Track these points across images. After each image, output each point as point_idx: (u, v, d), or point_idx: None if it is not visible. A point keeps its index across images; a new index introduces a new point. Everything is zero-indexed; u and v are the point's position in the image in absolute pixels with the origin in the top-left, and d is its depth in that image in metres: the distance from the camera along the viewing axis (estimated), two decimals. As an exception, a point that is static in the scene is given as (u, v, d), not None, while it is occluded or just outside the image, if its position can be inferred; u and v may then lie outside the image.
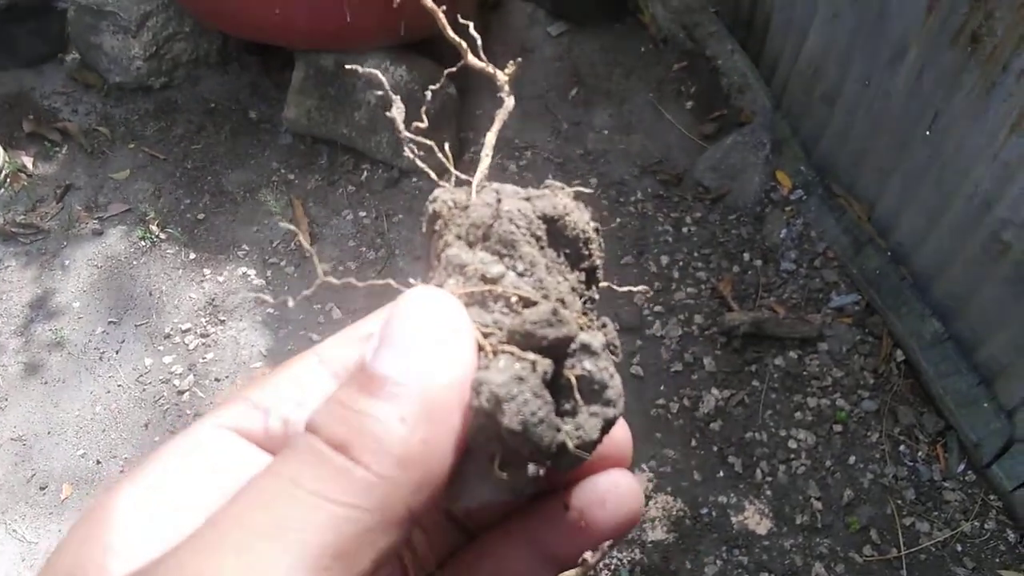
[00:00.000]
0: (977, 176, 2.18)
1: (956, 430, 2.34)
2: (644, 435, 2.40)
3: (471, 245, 0.37)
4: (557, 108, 3.22)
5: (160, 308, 2.74)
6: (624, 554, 2.22)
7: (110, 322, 2.70)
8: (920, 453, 2.37)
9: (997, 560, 2.19)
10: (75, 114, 3.22)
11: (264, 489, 0.28)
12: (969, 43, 2.11)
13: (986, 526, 2.24)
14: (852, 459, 2.36)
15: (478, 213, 0.38)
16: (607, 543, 0.37)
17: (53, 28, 3.27)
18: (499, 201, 0.38)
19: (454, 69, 0.47)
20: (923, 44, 2.26)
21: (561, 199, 0.40)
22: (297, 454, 0.29)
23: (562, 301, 0.36)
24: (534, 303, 0.35)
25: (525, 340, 0.33)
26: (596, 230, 0.41)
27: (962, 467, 2.32)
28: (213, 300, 2.75)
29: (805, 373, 2.52)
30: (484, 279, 0.35)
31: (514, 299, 0.35)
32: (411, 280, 0.37)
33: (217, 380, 2.57)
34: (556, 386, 0.33)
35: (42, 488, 2.38)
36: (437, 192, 0.40)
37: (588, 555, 0.37)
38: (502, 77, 0.44)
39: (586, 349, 0.34)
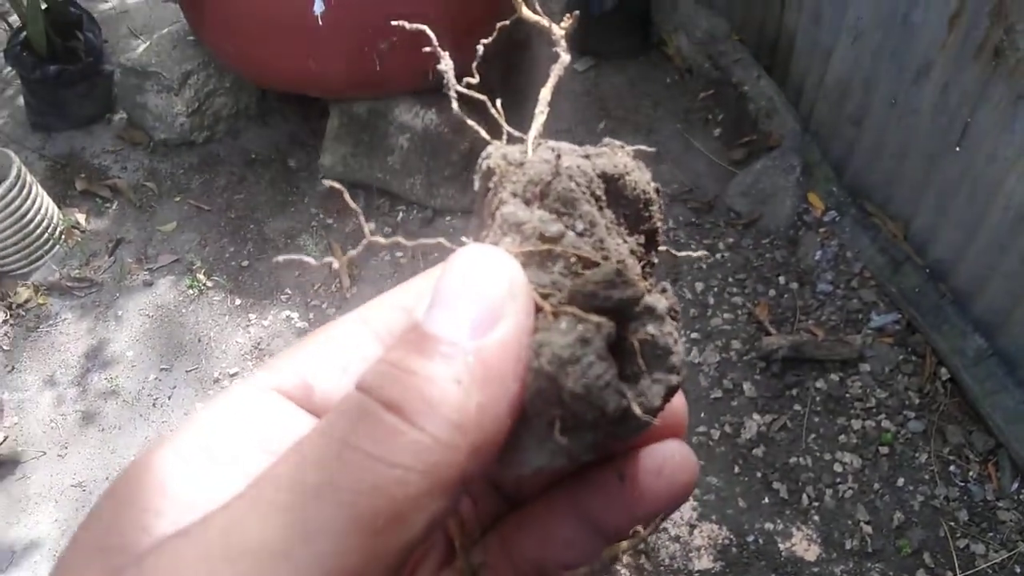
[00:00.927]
0: (1010, 188, 2.16)
1: (1006, 448, 2.29)
2: (686, 463, 2.39)
3: (528, 203, 0.35)
4: (586, 142, 3.24)
5: (208, 353, 2.82)
6: (671, 584, 2.21)
7: (162, 369, 2.79)
8: (971, 472, 2.32)
9: (1058, 581, 2.13)
10: (124, 171, 3.36)
11: (315, 449, 0.27)
12: (992, 57, 2.11)
13: (1044, 546, 2.18)
14: (901, 481, 2.33)
15: (536, 169, 0.35)
16: (660, 516, 0.35)
17: (101, 90, 3.44)
18: (559, 157, 0.35)
19: (507, 22, 0.44)
20: (947, 60, 2.26)
21: (621, 157, 0.38)
22: (348, 414, 0.27)
23: (623, 263, 0.34)
24: (595, 264, 0.33)
25: (588, 301, 0.31)
26: (657, 191, 0.39)
27: (1016, 485, 2.27)
28: (259, 344, 2.83)
29: (848, 395, 2.50)
30: (542, 238, 0.33)
31: (573, 259, 0.33)
32: (464, 239, 0.35)
33: (264, 422, 2.64)
34: (619, 350, 0.32)
35: (100, 533, 2.46)
36: (491, 148, 0.38)
37: (640, 528, 0.36)
38: (558, 31, 0.42)
39: (650, 312, 0.32)
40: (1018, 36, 2.02)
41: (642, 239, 0.38)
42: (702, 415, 2.50)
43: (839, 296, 2.69)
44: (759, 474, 2.38)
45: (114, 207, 3.26)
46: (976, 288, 2.40)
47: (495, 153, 0.37)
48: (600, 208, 0.36)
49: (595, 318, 0.30)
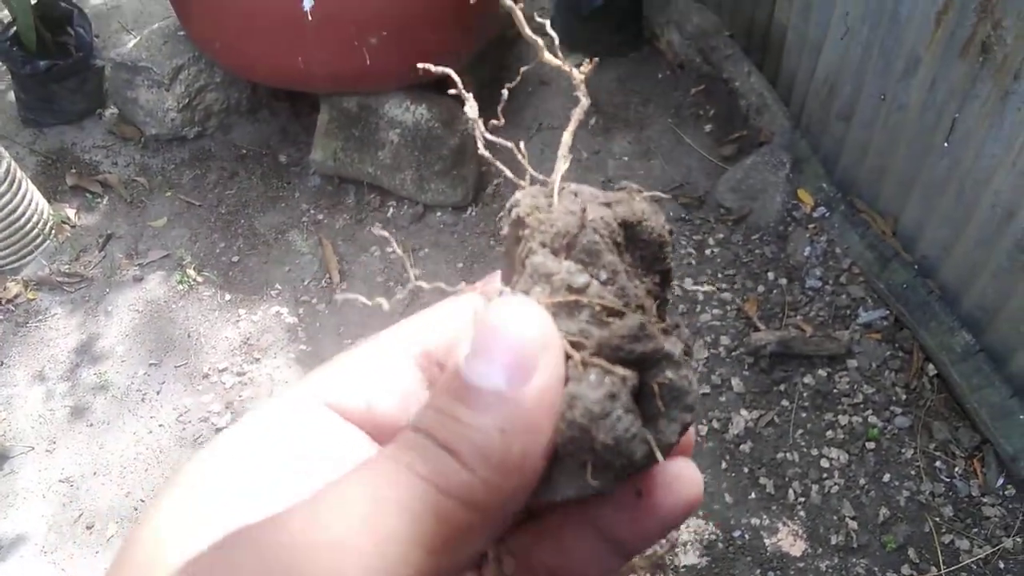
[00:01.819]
0: (997, 185, 2.17)
1: (992, 444, 2.30)
2: (673, 458, 2.40)
3: (556, 253, 0.37)
4: (576, 138, 3.25)
5: (198, 349, 2.83)
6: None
7: (151, 364, 2.80)
8: (957, 468, 2.33)
9: (1043, 576, 2.13)
10: (115, 166, 3.36)
11: (385, 470, 0.30)
12: (980, 53, 2.11)
13: (1030, 542, 2.19)
14: (887, 477, 2.33)
15: (564, 222, 0.38)
16: (675, 535, 0.37)
17: (92, 85, 3.43)
18: (584, 211, 0.38)
19: (529, 67, 0.46)
20: (934, 56, 2.26)
21: (639, 204, 0.40)
22: (413, 447, 0.30)
23: (642, 307, 0.37)
24: (618, 312, 0.36)
25: (614, 353, 0.34)
26: (670, 232, 0.41)
27: (1001, 481, 2.28)
28: (248, 339, 2.83)
29: (835, 391, 2.50)
30: (570, 289, 0.36)
31: (598, 308, 0.35)
32: (499, 286, 0.38)
33: (253, 417, 2.64)
34: (640, 392, 0.35)
35: (89, 528, 2.46)
36: (518, 195, 0.40)
37: (658, 546, 0.37)
38: (578, 76, 0.44)
39: (669, 359, 0.35)
40: (1005, 32, 2.02)
41: (657, 279, 0.40)
42: (690, 411, 2.50)
43: (828, 292, 2.69)
44: (746, 469, 2.39)
45: (104, 202, 3.26)
46: (963, 284, 2.40)
47: (524, 202, 0.39)
48: (620, 254, 0.39)
49: (621, 371, 0.33)
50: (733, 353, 2.61)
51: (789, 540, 2.26)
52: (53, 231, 3.12)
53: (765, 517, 2.31)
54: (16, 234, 2.97)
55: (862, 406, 2.46)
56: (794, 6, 2.84)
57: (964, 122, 2.25)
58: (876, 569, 2.19)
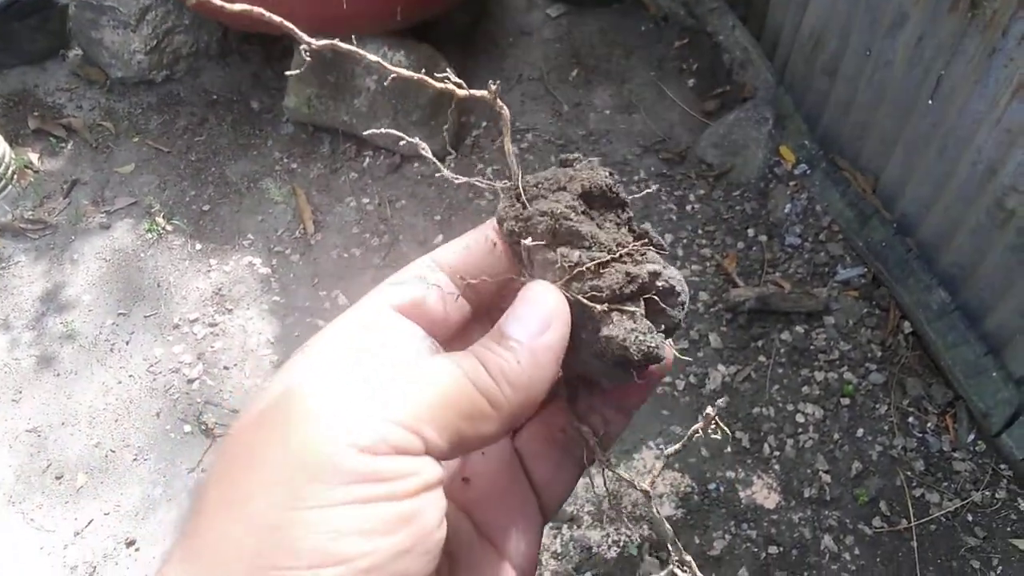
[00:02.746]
0: (980, 143, 2.16)
1: (965, 400, 2.33)
2: (650, 412, 2.40)
3: (548, 246, 0.50)
4: (557, 90, 3.21)
5: (168, 299, 2.76)
6: (632, 531, 2.23)
7: (119, 314, 2.73)
8: (929, 424, 2.36)
9: (1008, 529, 2.18)
10: (79, 110, 3.24)
11: (445, 364, 0.45)
12: (969, 9, 2.09)
13: (997, 495, 2.23)
14: (860, 432, 2.36)
15: (544, 226, 0.51)
16: (717, 406, 0.48)
17: (54, 24, 3.29)
18: (552, 213, 0.51)
19: (468, 93, 0.54)
20: (922, 11, 2.23)
21: (584, 173, 0.53)
22: (464, 359, 0.45)
23: (620, 244, 0.51)
24: (608, 262, 0.49)
25: (620, 293, 0.48)
26: (609, 174, 0.54)
27: (972, 437, 2.31)
28: (220, 290, 2.77)
29: (812, 347, 2.51)
30: (570, 266, 0.49)
31: (594, 268, 0.49)
32: (525, 278, 0.52)
33: (226, 368, 2.59)
34: (647, 300, 0.49)
35: (58, 478, 2.41)
36: (501, 211, 0.53)
37: (709, 409, 0.54)
38: (488, 96, 0.54)
39: (653, 273, 0.49)
40: (995, -14, 2.00)
41: (619, 210, 0.54)
42: (668, 366, 2.50)
43: (807, 249, 2.69)
44: (723, 424, 2.39)
45: (69, 147, 3.15)
46: (942, 242, 2.41)
47: (508, 216, 0.52)
48: (590, 216, 0.52)
49: (630, 307, 0.49)
50: (712, 309, 2.61)
51: (763, 493, 2.29)
52: (15, 176, 3.01)
53: (740, 470, 2.33)
54: (-24, 178, 2.87)
55: (838, 362, 2.48)
56: (781, -42, 2.79)
57: (949, 79, 2.23)
58: (848, 521, 2.22)
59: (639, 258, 0.51)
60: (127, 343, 2.66)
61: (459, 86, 0.53)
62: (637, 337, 0.47)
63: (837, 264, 2.64)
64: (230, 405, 2.52)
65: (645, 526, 2.24)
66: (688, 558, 0.53)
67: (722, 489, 2.29)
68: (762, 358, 2.51)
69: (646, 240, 0.53)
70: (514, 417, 0.46)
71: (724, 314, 2.58)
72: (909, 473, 2.28)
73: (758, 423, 2.39)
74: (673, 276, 0.51)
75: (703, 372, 2.48)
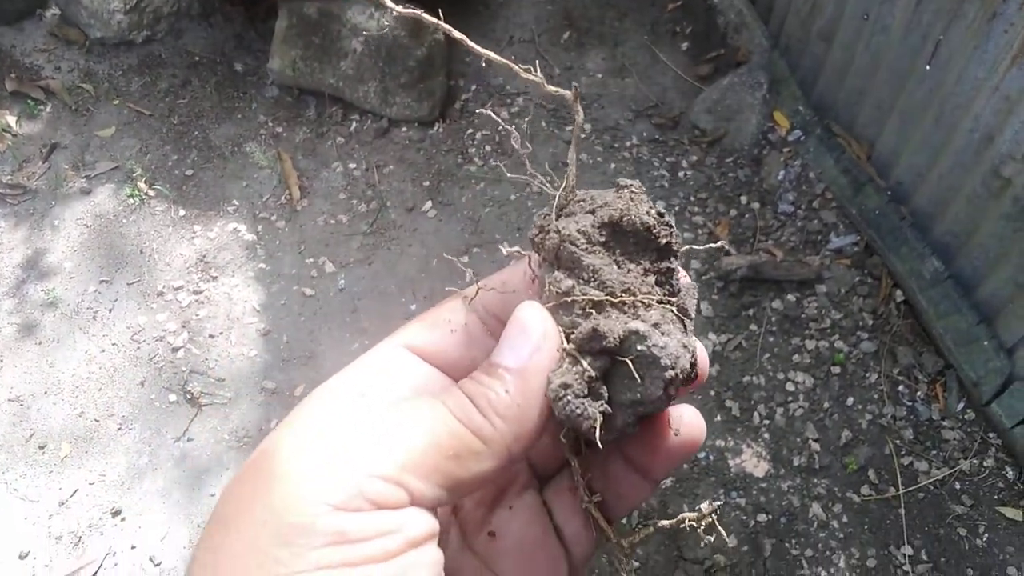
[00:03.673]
0: (978, 110, 2.13)
1: (955, 369, 2.32)
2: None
3: (552, 266, 0.49)
4: (549, 53, 3.15)
5: (151, 266, 2.71)
6: None
7: (102, 281, 2.68)
8: (919, 393, 2.36)
9: (996, 497, 2.19)
10: (58, 71, 3.15)
11: (431, 402, 0.44)
12: (970, -30, 2.04)
13: (985, 464, 2.24)
14: (850, 400, 2.35)
15: (551, 243, 0.49)
16: (716, 503, 0.49)
17: (30, -18, 3.19)
18: (559, 232, 0.48)
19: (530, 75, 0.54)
20: (923, -27, 2.18)
21: (621, 201, 0.49)
22: (451, 395, 0.44)
23: (628, 290, 0.47)
24: (599, 303, 0.46)
25: (585, 346, 0.45)
26: (659, 214, 0.49)
27: (961, 406, 2.31)
28: (204, 256, 2.72)
29: (803, 316, 2.50)
30: (560, 292, 0.47)
31: (583, 303, 0.47)
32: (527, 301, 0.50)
33: (211, 336, 2.56)
34: (617, 372, 0.46)
35: (41, 447, 2.38)
36: (537, 216, 0.51)
37: (705, 505, 0.49)
38: (570, 96, 0.52)
39: (636, 335, 0.45)
40: (998, -53, 1.95)
41: (654, 256, 0.50)
42: (658, 334, 2.48)
43: (800, 217, 2.66)
44: (712, 392, 2.39)
45: (48, 110, 3.07)
46: (936, 211, 2.39)
47: (536, 224, 0.50)
48: (609, 250, 0.49)
49: (585, 363, 0.45)
50: (703, 277, 2.58)
51: (753, 461, 2.29)
52: (-8, 139, 2.93)
53: (730, 439, 2.32)
54: (-49, 141, 2.79)
55: (829, 331, 2.46)
56: (779, -83, 2.72)
57: (948, 44, 2.19)
58: (836, 489, 2.23)
59: (642, 312, 0.47)
60: (110, 311, 2.62)
61: (545, 82, 0.52)
62: (567, 396, 0.44)
63: (830, 232, 2.62)
64: (215, 374, 2.49)
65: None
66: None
67: (712, 458, 2.29)
68: (753, 327, 2.49)
69: (670, 300, 0.48)
70: (509, 451, 0.44)
71: (716, 282, 2.56)
72: (898, 441, 2.28)
73: (748, 392, 2.39)
74: (659, 345, 0.45)
75: (694, 341, 2.46)
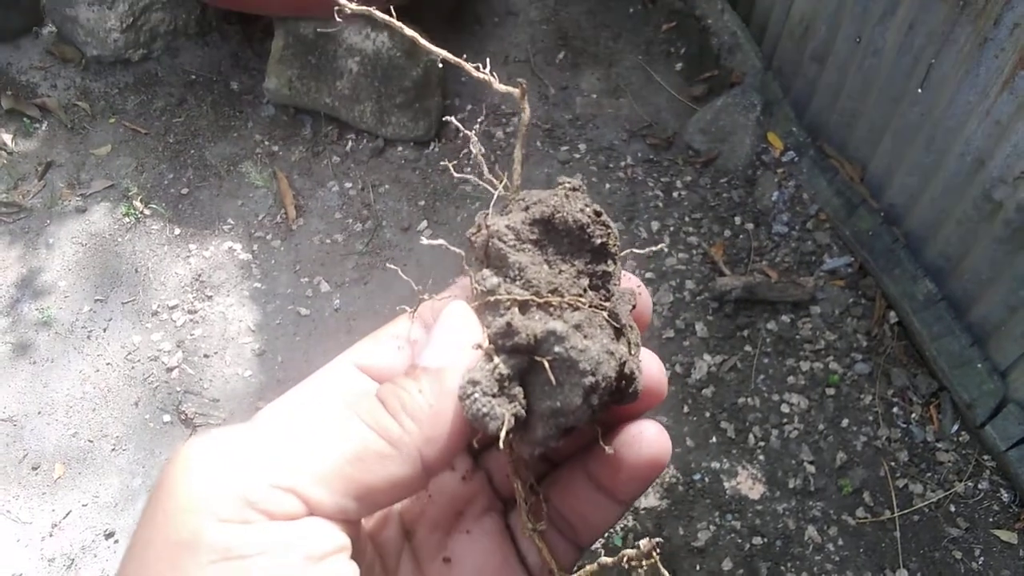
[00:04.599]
0: (969, 134, 2.14)
1: (949, 391, 2.33)
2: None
3: (481, 264, 0.47)
4: (544, 72, 3.16)
5: (146, 285, 2.71)
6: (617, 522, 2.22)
7: (96, 300, 2.67)
8: (913, 415, 2.36)
9: (991, 520, 2.19)
10: (54, 89, 3.16)
11: (342, 411, 0.41)
12: (962, -3, 2.06)
13: (980, 486, 2.24)
14: (845, 422, 2.36)
15: (480, 239, 0.47)
16: (656, 540, 0.45)
17: (27, 0, 3.19)
18: (487, 227, 0.47)
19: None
20: (915, -1, 2.20)
21: (553, 199, 0.47)
22: (365, 401, 0.42)
23: (555, 290, 0.45)
24: (522, 302, 0.45)
25: (497, 343, 0.43)
26: (596, 213, 0.47)
27: (956, 428, 2.32)
28: (200, 276, 2.72)
29: (798, 337, 2.50)
30: (485, 291, 0.46)
31: (508, 302, 0.45)
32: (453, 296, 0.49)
33: (206, 356, 2.55)
34: (537, 377, 0.43)
35: (34, 468, 2.37)
36: (478, 216, 0.49)
37: (644, 542, 0.45)
38: (517, 93, 0.51)
39: (553, 335, 0.42)
40: (988, -25, 1.97)
41: (588, 256, 0.47)
42: (653, 355, 2.49)
43: (794, 238, 2.68)
44: (708, 414, 2.39)
45: (43, 128, 3.07)
46: (929, 233, 2.40)
47: (475, 222, 0.48)
48: (540, 248, 0.47)
49: (494, 362, 0.43)
50: (698, 298, 2.59)
51: (748, 483, 2.29)
52: (-13, 157, 2.93)
53: (725, 461, 2.32)
54: (-53, 160, 2.79)
55: (824, 352, 2.47)
56: (772, -59, 2.75)
57: (940, 68, 2.21)
58: (832, 512, 2.23)
59: (567, 314, 0.44)
60: (104, 330, 2.61)
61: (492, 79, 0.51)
62: (474, 394, 0.42)
63: (824, 253, 2.63)
64: (210, 394, 2.48)
65: (630, 517, 2.23)
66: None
67: (707, 479, 2.29)
68: (748, 348, 2.50)
69: (601, 304, 0.46)
70: (421, 454, 0.41)
71: (710, 303, 2.56)
72: (893, 464, 2.29)
73: (743, 413, 2.39)
74: (577, 348, 0.42)
75: (689, 361, 2.47)
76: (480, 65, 0.51)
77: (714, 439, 2.35)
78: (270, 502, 0.36)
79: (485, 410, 0.42)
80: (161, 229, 2.83)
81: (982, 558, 2.13)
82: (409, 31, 0.53)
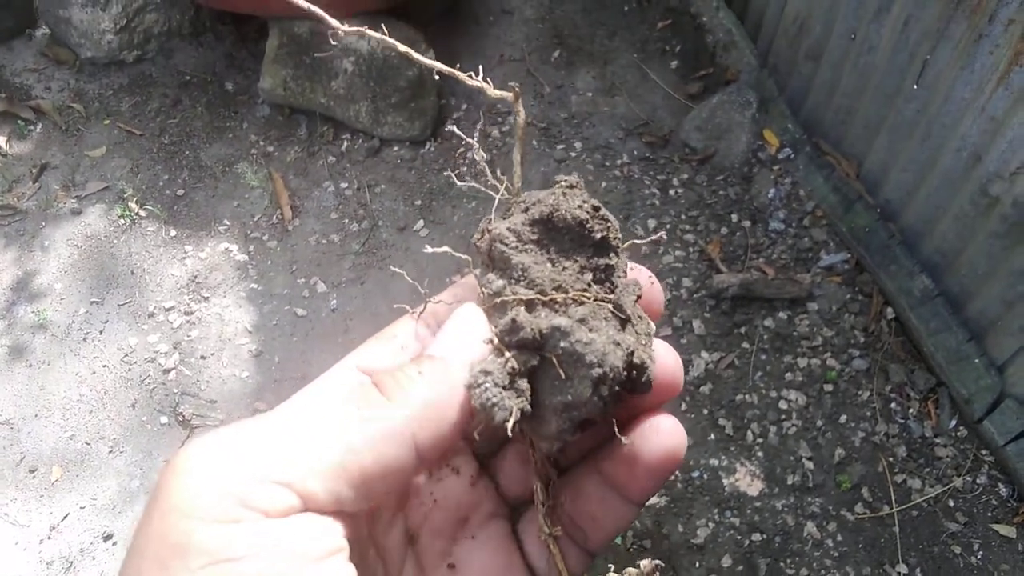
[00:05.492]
0: (964, 130, 2.15)
1: (947, 386, 2.33)
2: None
3: (487, 268, 0.49)
4: (539, 71, 3.16)
5: (143, 286, 2.70)
6: None
7: (92, 302, 2.66)
8: (911, 410, 2.36)
9: (989, 515, 2.20)
10: (48, 91, 3.15)
11: (335, 400, 0.42)
12: (956, -8, 2.07)
13: (978, 481, 2.24)
14: (843, 418, 2.36)
15: (483, 245, 0.49)
16: (656, 562, 0.45)
17: (20, 1, 3.18)
18: (490, 232, 0.48)
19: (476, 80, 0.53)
20: (910, -5, 2.21)
21: (551, 197, 0.48)
22: (360, 390, 0.42)
23: (560, 288, 0.46)
24: (528, 301, 0.46)
25: (505, 340, 0.45)
26: (594, 208, 0.48)
27: (953, 423, 2.32)
28: (196, 277, 2.71)
29: (795, 333, 2.51)
30: (492, 293, 0.47)
31: (515, 302, 0.46)
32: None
33: (203, 358, 2.54)
34: (546, 372, 0.44)
35: (32, 471, 2.36)
36: (482, 222, 0.50)
37: (645, 563, 0.46)
38: (511, 97, 0.52)
39: (558, 331, 0.43)
40: (983, -30, 1.97)
41: (590, 252, 0.48)
42: (651, 353, 2.49)
43: (791, 234, 2.68)
44: (706, 411, 2.39)
45: (38, 130, 3.06)
46: (925, 228, 2.41)
47: (480, 228, 0.50)
48: (542, 248, 0.48)
49: (505, 356, 0.44)
50: (695, 295, 2.59)
51: (747, 480, 2.29)
52: (-19, 160, 2.92)
53: (724, 458, 2.32)
54: (-60, 162, 2.78)
55: (821, 349, 2.47)
56: (766, -62, 2.75)
57: (935, 64, 2.21)
58: (830, 508, 2.23)
59: (572, 310, 0.45)
60: (101, 332, 2.60)
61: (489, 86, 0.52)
62: (485, 383, 0.42)
63: (821, 250, 2.63)
64: (207, 396, 2.47)
65: None
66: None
67: (705, 476, 2.29)
68: (745, 344, 2.50)
69: (605, 297, 0.47)
70: (415, 438, 0.40)
71: (707, 300, 2.56)
72: (891, 459, 2.29)
73: (741, 410, 2.39)
74: (583, 342, 0.43)
75: (686, 359, 2.47)
76: (473, 73, 0.51)
77: (712, 436, 2.35)
78: (264, 498, 0.35)
79: (495, 400, 0.42)
80: (157, 231, 2.82)
81: (981, 552, 2.14)
82: (403, 47, 0.53)
